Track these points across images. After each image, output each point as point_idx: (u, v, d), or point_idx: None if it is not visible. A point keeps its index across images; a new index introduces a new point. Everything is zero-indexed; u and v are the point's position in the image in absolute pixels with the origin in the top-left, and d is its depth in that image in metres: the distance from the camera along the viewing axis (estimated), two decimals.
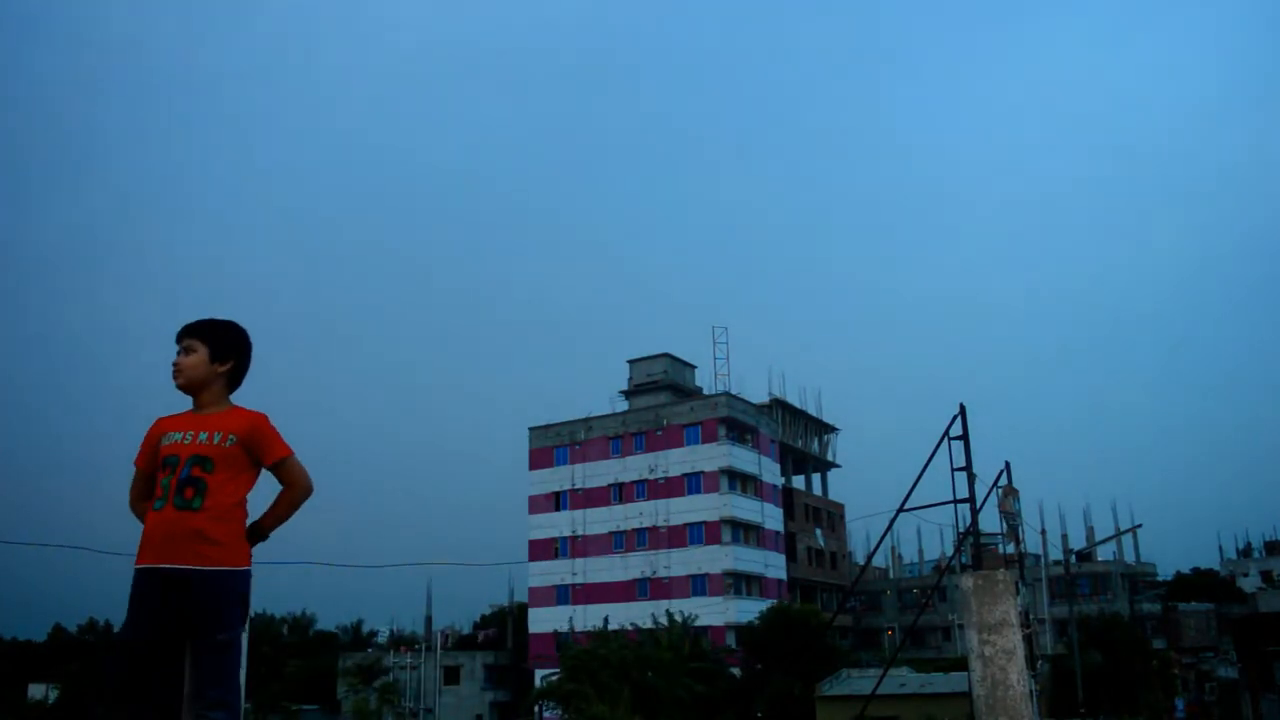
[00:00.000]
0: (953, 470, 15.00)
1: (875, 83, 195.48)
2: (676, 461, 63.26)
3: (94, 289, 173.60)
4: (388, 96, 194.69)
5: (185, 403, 3.88)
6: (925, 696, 36.55)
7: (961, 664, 27.81)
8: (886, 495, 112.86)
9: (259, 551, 3.88)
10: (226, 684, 3.55)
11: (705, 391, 68.18)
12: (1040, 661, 31.96)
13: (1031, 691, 15.01)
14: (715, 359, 67.70)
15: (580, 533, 64.99)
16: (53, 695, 58.57)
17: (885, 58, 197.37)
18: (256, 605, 4.34)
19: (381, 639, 78.38)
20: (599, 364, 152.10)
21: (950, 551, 51.34)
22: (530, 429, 69.14)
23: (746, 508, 63.35)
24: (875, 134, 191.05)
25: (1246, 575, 78.59)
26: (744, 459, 64.05)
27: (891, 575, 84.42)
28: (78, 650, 70.54)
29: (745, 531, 63.33)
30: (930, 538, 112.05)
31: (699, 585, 60.37)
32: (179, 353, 3.83)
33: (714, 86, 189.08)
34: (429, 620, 71.72)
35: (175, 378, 3.81)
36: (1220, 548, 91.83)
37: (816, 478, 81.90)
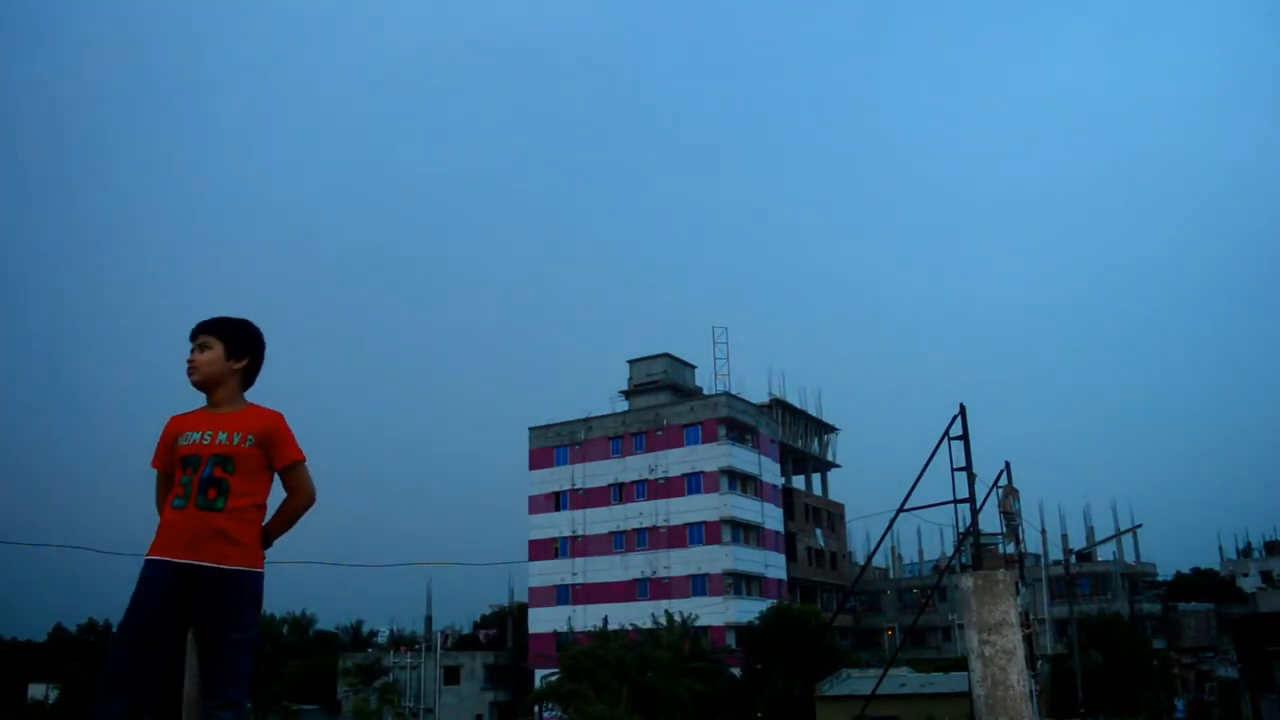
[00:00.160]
0: (953, 470, 15.03)
1: (875, 83, 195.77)
2: (676, 461, 63.23)
3: (94, 289, 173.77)
4: (388, 97, 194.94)
5: (190, 401, 3.87)
6: (925, 696, 36.58)
7: (961, 664, 27.87)
8: (886, 495, 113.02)
9: None
10: (240, 684, 3.58)
11: (705, 391, 68.15)
12: (1040, 661, 31.99)
13: (1032, 691, 15.04)
14: (715, 359, 67.81)
15: (580, 533, 64.97)
16: (53, 695, 58.57)
17: (886, 58, 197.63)
18: None
19: (381, 639, 78.47)
20: (599, 364, 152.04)
21: (950, 551, 51.33)
22: (530, 429, 69.13)
23: (746, 508, 63.32)
24: (875, 134, 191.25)
25: (1246, 575, 78.60)
26: (744, 459, 64.03)
27: (891, 575, 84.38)
28: (78, 650, 70.65)
29: (745, 531, 63.30)
30: (930, 538, 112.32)
31: (699, 585, 60.32)
32: (193, 350, 3.82)
33: (714, 86, 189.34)
34: (429, 620, 71.81)
35: (190, 374, 3.80)
36: (1220, 548, 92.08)
37: (816, 478, 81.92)
